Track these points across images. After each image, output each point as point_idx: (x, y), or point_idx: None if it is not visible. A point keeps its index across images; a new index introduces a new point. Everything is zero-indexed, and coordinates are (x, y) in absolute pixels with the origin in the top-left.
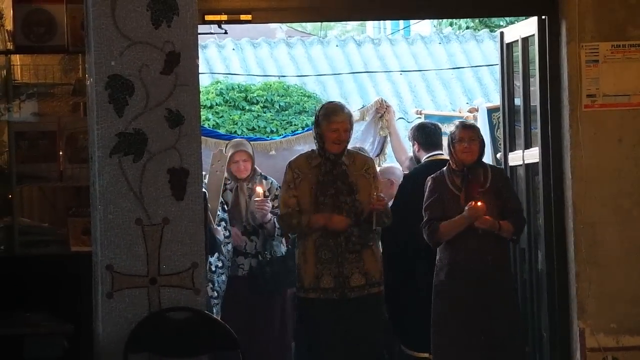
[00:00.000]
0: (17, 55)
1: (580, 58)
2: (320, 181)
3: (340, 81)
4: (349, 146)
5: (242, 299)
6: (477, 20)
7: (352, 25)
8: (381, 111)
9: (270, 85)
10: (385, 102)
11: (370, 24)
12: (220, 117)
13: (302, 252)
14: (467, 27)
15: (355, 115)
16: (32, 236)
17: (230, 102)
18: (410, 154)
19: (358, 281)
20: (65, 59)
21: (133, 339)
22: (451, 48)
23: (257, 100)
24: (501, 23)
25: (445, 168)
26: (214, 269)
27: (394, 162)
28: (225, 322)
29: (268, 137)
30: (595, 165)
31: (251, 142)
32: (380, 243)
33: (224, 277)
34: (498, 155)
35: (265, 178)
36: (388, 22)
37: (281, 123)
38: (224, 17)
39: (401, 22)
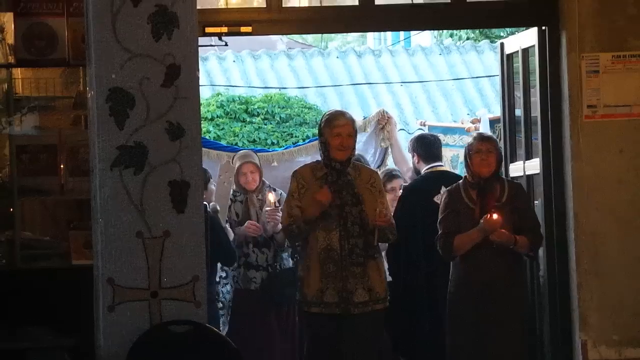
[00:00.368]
0: (19, 68)
1: (581, 69)
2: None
3: (341, 92)
4: None
5: (255, 313)
6: (477, 31)
7: (352, 36)
8: (382, 122)
9: (271, 97)
10: (386, 113)
11: (370, 36)
12: (221, 130)
13: (306, 265)
14: (468, 38)
15: (357, 124)
16: (33, 249)
17: (231, 114)
18: (411, 165)
19: (362, 297)
20: (66, 72)
21: (134, 352)
22: (452, 59)
23: (257, 112)
24: (501, 34)
25: (461, 181)
26: (217, 279)
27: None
28: (239, 336)
29: (269, 149)
30: (596, 176)
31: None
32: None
33: (228, 287)
34: None
35: (274, 189)
36: (389, 34)
37: (282, 135)
38: (225, 29)
39: (402, 33)
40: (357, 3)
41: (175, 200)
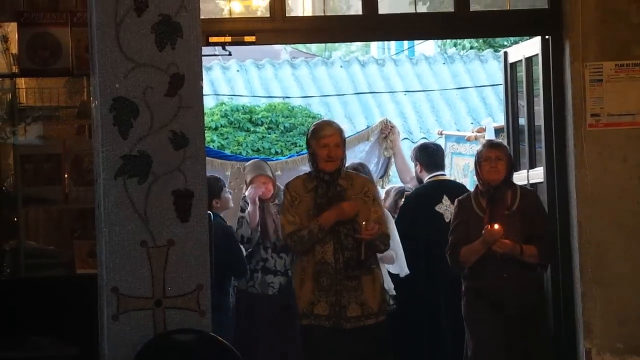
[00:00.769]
0: (22, 78)
1: (584, 77)
2: (318, 204)
3: (345, 102)
4: (348, 163)
5: (273, 318)
6: (481, 41)
7: (356, 46)
8: (386, 132)
9: (275, 107)
10: (389, 122)
11: (374, 45)
12: (225, 139)
13: (300, 277)
14: (471, 47)
15: (360, 135)
16: (37, 259)
17: (235, 124)
18: (414, 174)
19: (355, 312)
20: (70, 81)
21: None
22: (455, 68)
23: (261, 121)
24: (505, 43)
25: (472, 190)
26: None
27: (399, 183)
28: (253, 340)
29: (273, 158)
30: (600, 185)
31: None
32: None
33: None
34: None
35: None
36: (392, 43)
37: (286, 144)
38: (228, 39)
39: (405, 42)
40: (360, 12)
41: (179, 209)
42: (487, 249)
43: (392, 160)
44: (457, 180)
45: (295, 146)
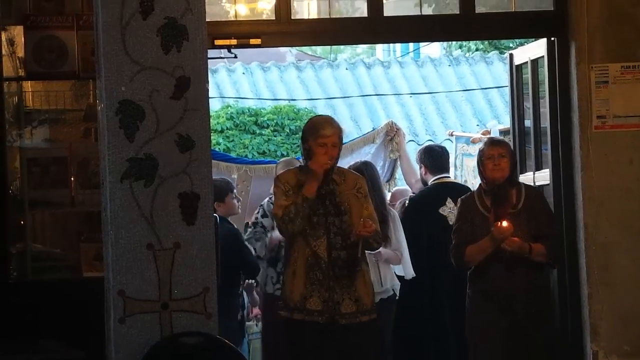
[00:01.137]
0: (29, 81)
1: (590, 79)
2: (310, 199)
3: (351, 104)
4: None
5: None
6: (486, 43)
7: (361, 48)
8: (391, 134)
9: (281, 109)
10: (395, 124)
11: (380, 47)
12: (231, 141)
13: (291, 269)
14: (477, 49)
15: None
16: (44, 262)
17: (240, 126)
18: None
19: (349, 308)
20: (76, 85)
21: None
22: (461, 70)
23: (267, 124)
24: (511, 45)
25: (476, 189)
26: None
27: (405, 185)
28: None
29: (278, 160)
30: (606, 187)
31: (262, 165)
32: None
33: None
34: None
35: None
36: (398, 45)
37: (292, 147)
38: (234, 42)
39: (411, 44)
40: (366, 15)
41: (185, 212)
42: (495, 248)
43: (398, 162)
44: (468, 181)
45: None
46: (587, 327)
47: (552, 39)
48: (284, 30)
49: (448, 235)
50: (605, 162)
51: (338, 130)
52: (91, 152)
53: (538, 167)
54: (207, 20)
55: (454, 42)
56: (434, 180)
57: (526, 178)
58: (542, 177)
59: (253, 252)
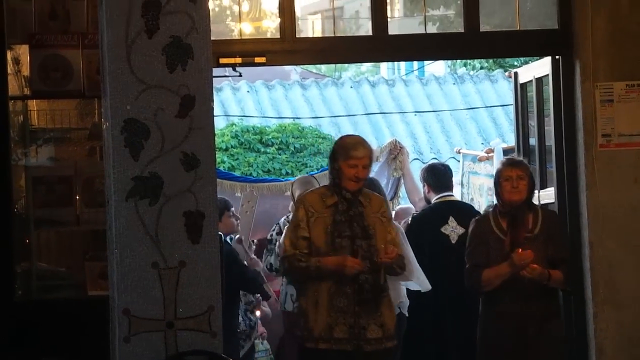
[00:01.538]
0: (34, 100)
1: (595, 98)
2: (337, 221)
3: (355, 122)
4: None
5: None
6: (491, 61)
7: (366, 66)
8: (395, 152)
9: (285, 127)
10: (399, 143)
11: (384, 65)
12: (236, 160)
13: (312, 299)
14: (481, 68)
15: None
16: (49, 280)
17: (245, 145)
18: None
19: (375, 333)
20: (81, 103)
21: None
22: (465, 88)
23: (272, 142)
24: (515, 63)
25: (491, 209)
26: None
27: (408, 203)
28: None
29: (283, 179)
30: (611, 205)
31: (266, 184)
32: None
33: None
34: None
35: None
36: (402, 63)
37: (296, 165)
38: (239, 60)
39: (415, 63)
40: (370, 33)
41: (190, 230)
42: (514, 274)
43: (402, 180)
44: (474, 199)
45: (306, 167)
46: (592, 346)
47: (557, 57)
48: (288, 49)
49: (450, 254)
50: (610, 181)
51: (369, 152)
52: (96, 170)
53: (543, 186)
54: (212, 38)
55: (458, 61)
56: (437, 199)
57: None
58: (547, 195)
59: (266, 267)
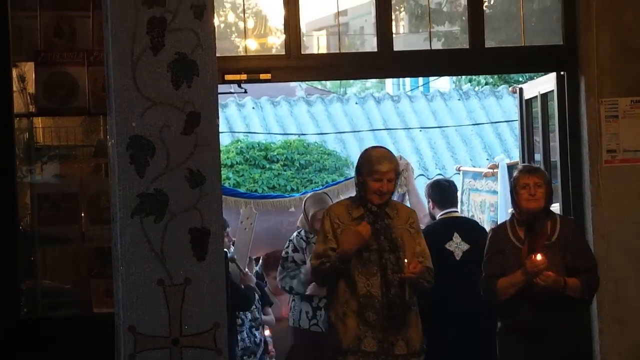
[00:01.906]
0: (39, 117)
1: (600, 113)
2: (349, 254)
3: (360, 138)
4: None
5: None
6: (496, 77)
7: (371, 82)
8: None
9: (290, 144)
10: (403, 159)
11: (389, 81)
12: (241, 176)
13: (342, 311)
14: (487, 83)
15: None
16: (54, 298)
17: (250, 161)
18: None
19: (402, 349)
20: (86, 120)
21: None
22: (470, 104)
23: (277, 158)
24: (520, 79)
25: (508, 218)
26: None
27: None
28: None
29: (287, 195)
30: (616, 221)
31: (270, 200)
32: None
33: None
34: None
35: None
36: (407, 79)
37: (301, 181)
38: (244, 77)
39: (420, 79)
40: (376, 49)
41: (195, 247)
42: (528, 281)
43: (407, 196)
44: (475, 216)
45: (311, 183)
46: None
47: (562, 73)
48: (293, 65)
49: (455, 270)
50: (615, 196)
51: (395, 165)
52: (101, 187)
53: None
54: (217, 55)
55: (463, 77)
56: (441, 215)
57: None
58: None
59: (284, 288)
